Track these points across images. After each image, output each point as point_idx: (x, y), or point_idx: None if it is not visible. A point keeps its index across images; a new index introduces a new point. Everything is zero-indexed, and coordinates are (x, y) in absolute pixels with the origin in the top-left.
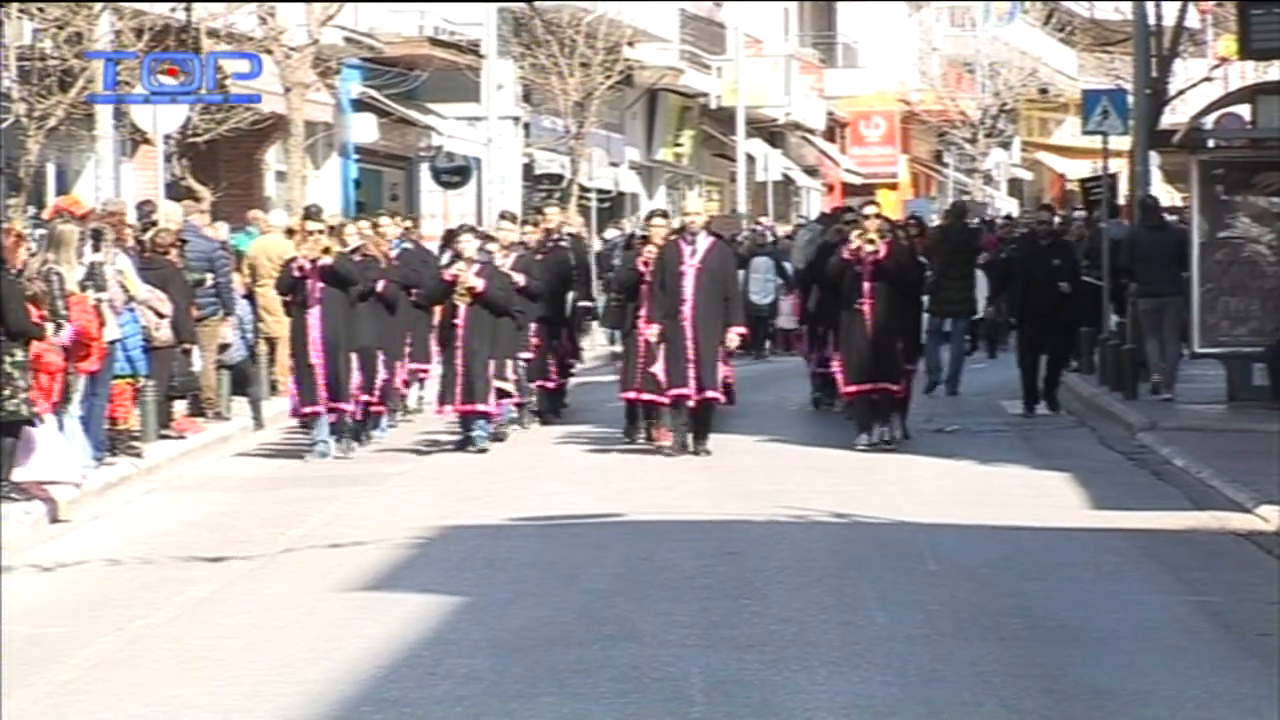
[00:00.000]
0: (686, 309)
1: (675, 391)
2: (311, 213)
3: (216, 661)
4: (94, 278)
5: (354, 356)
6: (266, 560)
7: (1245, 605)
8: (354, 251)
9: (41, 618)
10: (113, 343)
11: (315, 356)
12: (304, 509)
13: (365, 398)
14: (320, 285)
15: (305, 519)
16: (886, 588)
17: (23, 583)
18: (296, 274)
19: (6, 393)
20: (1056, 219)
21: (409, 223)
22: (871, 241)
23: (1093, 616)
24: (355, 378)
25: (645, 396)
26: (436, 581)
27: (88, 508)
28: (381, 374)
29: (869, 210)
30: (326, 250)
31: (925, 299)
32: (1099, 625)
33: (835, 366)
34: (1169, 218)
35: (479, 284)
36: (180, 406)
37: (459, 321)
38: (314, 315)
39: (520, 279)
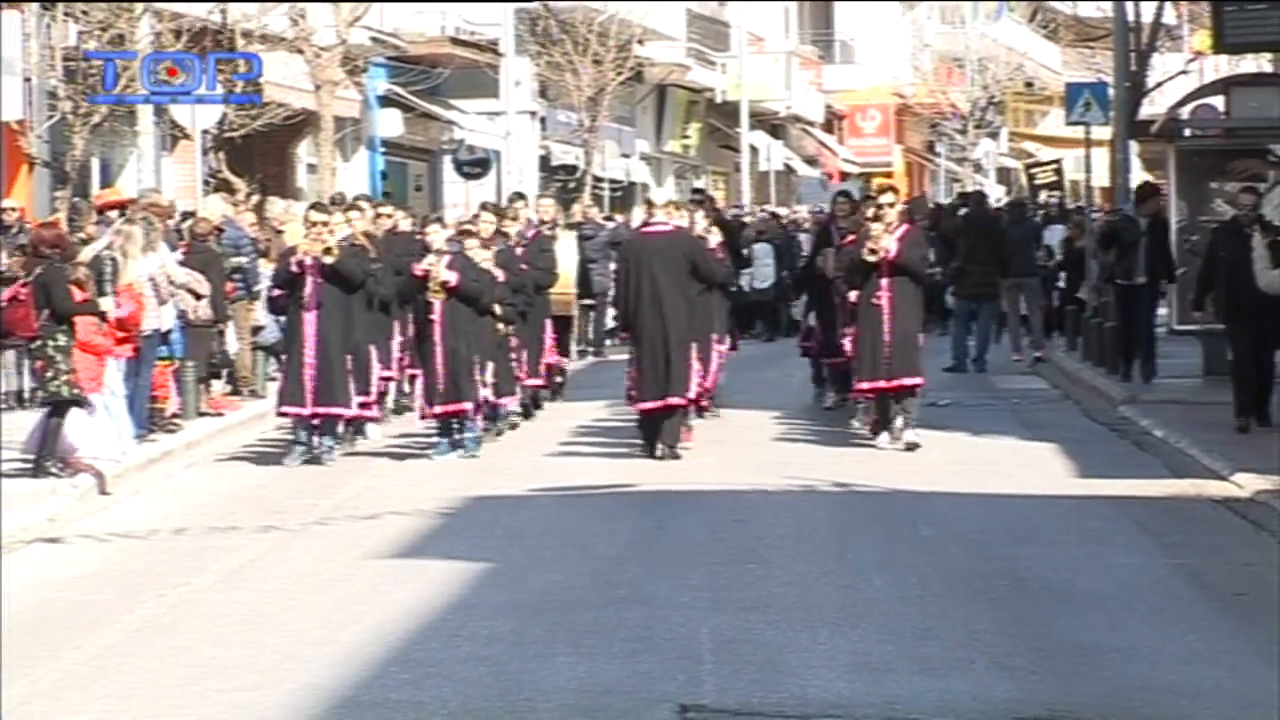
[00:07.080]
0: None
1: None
2: (319, 204)
3: (253, 625)
4: (97, 263)
5: (348, 358)
6: (300, 530)
7: (1222, 567)
8: (343, 241)
9: (88, 585)
10: (150, 334)
11: (309, 357)
12: (335, 482)
13: (360, 399)
14: (318, 283)
15: (336, 491)
16: (883, 553)
17: (70, 552)
18: (295, 269)
19: (49, 374)
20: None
21: (384, 211)
22: (874, 251)
23: (1078, 578)
24: (350, 379)
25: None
26: (460, 549)
27: (130, 482)
28: (378, 370)
29: (885, 199)
30: (329, 250)
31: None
32: (1084, 586)
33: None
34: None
35: (451, 277)
36: (218, 386)
37: (435, 318)
38: (310, 315)
39: (500, 275)
